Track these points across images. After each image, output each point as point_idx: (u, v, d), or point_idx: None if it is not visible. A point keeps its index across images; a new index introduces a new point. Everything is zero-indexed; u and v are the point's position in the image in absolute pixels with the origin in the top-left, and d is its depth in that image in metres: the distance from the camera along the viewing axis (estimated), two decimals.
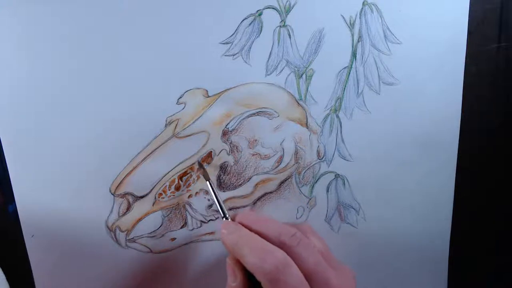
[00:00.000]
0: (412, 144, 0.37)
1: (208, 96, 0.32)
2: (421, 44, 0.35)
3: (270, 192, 0.36)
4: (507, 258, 0.42)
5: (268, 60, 0.33)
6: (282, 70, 0.33)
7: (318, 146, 0.35)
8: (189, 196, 0.34)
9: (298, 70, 0.33)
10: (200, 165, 0.33)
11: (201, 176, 0.34)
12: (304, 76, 0.34)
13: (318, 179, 0.36)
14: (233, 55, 0.32)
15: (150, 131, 0.32)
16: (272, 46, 0.33)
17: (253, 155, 0.34)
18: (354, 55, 0.34)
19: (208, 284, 0.36)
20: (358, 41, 0.34)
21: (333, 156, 0.36)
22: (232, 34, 0.32)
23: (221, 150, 0.34)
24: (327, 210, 0.37)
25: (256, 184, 0.35)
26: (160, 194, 0.34)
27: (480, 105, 0.38)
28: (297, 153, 0.35)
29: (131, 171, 0.32)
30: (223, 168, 0.34)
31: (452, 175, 0.38)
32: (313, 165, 0.36)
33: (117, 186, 0.33)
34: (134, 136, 0.32)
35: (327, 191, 0.37)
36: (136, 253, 0.34)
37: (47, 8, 0.29)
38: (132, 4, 0.30)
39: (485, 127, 0.39)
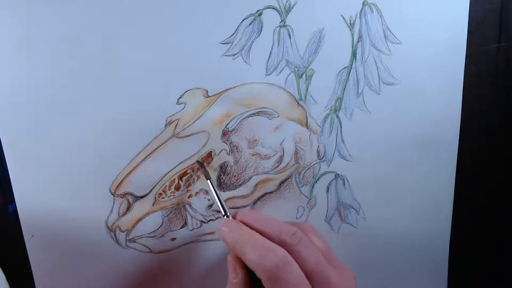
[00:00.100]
0: (412, 144, 0.37)
1: (208, 96, 0.32)
2: (421, 44, 0.35)
3: (270, 192, 0.36)
4: (507, 258, 0.42)
5: (268, 60, 0.33)
6: (282, 70, 0.33)
7: (318, 146, 0.35)
8: (189, 196, 0.34)
9: (298, 70, 0.33)
10: (201, 165, 0.33)
11: (202, 176, 0.34)
12: (304, 76, 0.34)
13: (318, 179, 0.36)
14: (233, 55, 0.32)
15: (150, 131, 0.32)
16: (272, 46, 0.33)
17: (253, 155, 0.34)
18: (354, 55, 0.34)
19: (208, 284, 0.36)
20: (358, 41, 0.34)
21: (333, 156, 0.36)
22: (232, 34, 0.32)
23: (221, 150, 0.34)
24: (327, 210, 0.37)
25: (256, 184, 0.35)
26: (160, 194, 0.34)
27: (480, 105, 0.38)
28: (297, 153, 0.35)
29: (131, 171, 0.32)
30: (223, 168, 0.34)
31: (452, 175, 0.38)
32: (313, 165, 0.36)
33: (117, 186, 0.33)
34: (134, 136, 0.32)
35: (327, 191, 0.37)
36: (136, 253, 0.34)
37: (47, 8, 0.29)
38: (132, 4, 0.30)
39: (485, 127, 0.39)
